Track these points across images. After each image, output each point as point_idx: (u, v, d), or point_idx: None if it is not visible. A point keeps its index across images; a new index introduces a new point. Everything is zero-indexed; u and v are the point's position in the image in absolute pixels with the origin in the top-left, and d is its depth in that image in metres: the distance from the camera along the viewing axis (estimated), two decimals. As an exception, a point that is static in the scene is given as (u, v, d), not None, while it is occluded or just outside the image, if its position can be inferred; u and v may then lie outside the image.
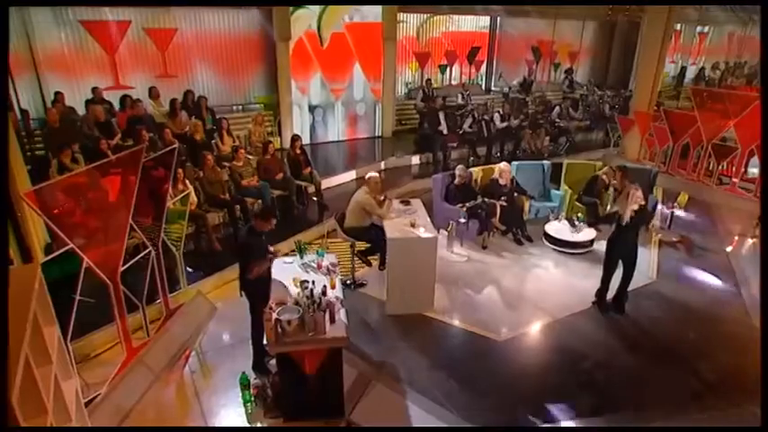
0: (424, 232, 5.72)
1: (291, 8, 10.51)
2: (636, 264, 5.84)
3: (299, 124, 11.36)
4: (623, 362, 5.22)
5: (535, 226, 7.97)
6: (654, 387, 4.85)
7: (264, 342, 3.97)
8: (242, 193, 7.56)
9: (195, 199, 6.99)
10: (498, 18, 14.80)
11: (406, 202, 6.57)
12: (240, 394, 4.52)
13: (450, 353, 5.36)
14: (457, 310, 6.02)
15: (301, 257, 5.16)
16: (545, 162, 8.78)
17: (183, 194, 5.77)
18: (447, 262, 7.12)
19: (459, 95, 12.69)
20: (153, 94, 9.53)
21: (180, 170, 6.66)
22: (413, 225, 5.83)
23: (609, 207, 6.12)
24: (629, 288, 6.00)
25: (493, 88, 15.20)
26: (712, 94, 10.58)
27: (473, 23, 14.70)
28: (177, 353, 5.11)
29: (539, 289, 6.56)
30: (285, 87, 10.90)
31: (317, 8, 10.83)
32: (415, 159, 11.07)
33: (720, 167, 10.06)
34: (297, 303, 4.11)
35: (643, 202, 5.58)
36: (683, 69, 18.08)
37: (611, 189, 7.81)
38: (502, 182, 7.85)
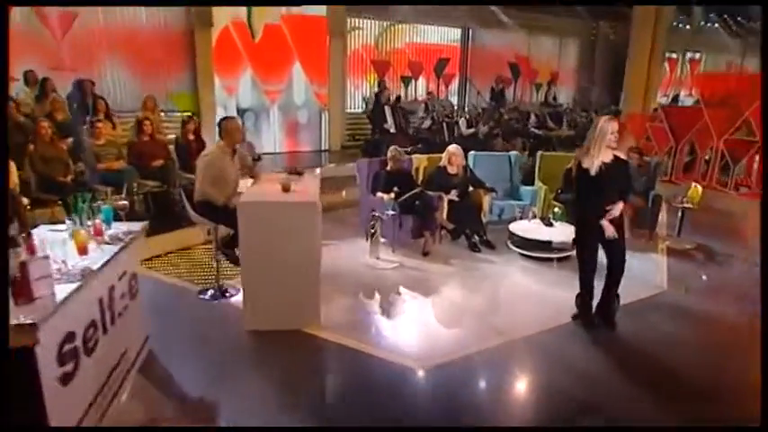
0: (300, 196, 3.78)
1: (212, -10, 9.09)
2: (625, 254, 3.89)
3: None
4: (622, 402, 3.13)
5: (499, 234, 5.96)
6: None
7: None
8: (95, 178, 5.68)
9: (15, 180, 5.08)
10: (471, 30, 13.54)
11: (297, 173, 4.66)
12: None
13: (333, 388, 3.28)
14: (360, 326, 3.97)
15: (80, 222, 3.16)
16: (512, 153, 6.98)
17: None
18: (367, 269, 5.13)
19: (424, 106, 11.08)
20: (29, 79, 7.84)
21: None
22: (286, 189, 3.88)
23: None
24: (628, 297, 4.02)
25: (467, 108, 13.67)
26: (721, 81, 8.92)
27: (443, 35, 13.40)
28: None
29: (496, 300, 4.57)
30: (206, 85, 9.28)
31: (245, -7, 9.43)
32: (362, 169, 9.25)
33: (736, 174, 8.25)
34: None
35: (615, 146, 3.75)
36: (677, 96, 16.70)
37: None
38: (451, 170, 6.01)
